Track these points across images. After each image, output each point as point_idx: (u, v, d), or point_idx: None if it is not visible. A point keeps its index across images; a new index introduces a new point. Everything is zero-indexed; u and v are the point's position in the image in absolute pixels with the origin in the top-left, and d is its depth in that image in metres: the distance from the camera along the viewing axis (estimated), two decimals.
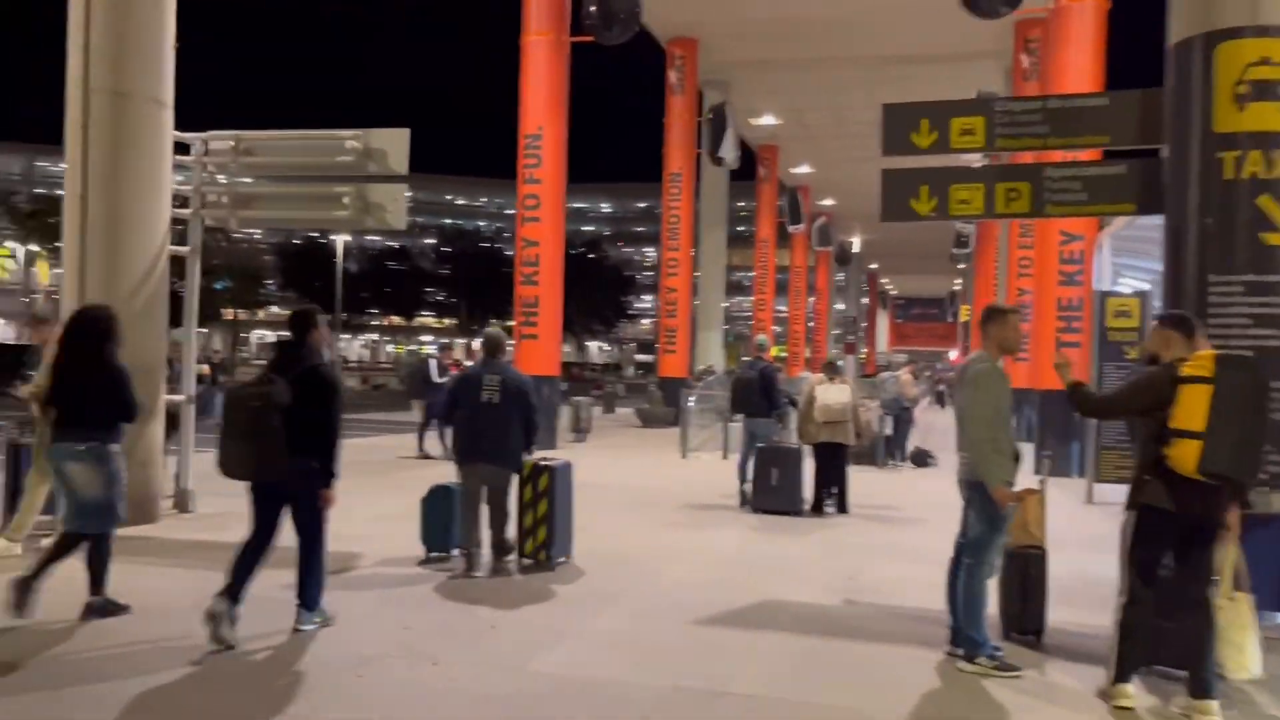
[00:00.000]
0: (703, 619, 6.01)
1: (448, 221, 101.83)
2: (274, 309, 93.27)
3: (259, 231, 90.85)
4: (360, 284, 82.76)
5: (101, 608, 5.63)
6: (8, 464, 8.05)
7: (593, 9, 17.46)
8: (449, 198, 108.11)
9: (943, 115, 6.87)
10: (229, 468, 5.13)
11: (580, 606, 6.23)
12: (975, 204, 6.86)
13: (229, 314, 75.90)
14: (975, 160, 15.56)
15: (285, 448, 5.00)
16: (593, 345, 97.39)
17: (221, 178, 9.37)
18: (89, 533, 5.63)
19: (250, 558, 5.27)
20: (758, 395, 10.66)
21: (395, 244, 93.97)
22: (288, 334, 5.44)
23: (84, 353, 5.60)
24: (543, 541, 7.29)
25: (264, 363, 5.36)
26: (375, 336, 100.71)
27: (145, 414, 5.93)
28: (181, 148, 9.16)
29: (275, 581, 5.68)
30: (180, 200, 9.22)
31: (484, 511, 7.11)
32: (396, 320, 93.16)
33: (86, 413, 5.58)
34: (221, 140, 9.24)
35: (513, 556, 7.23)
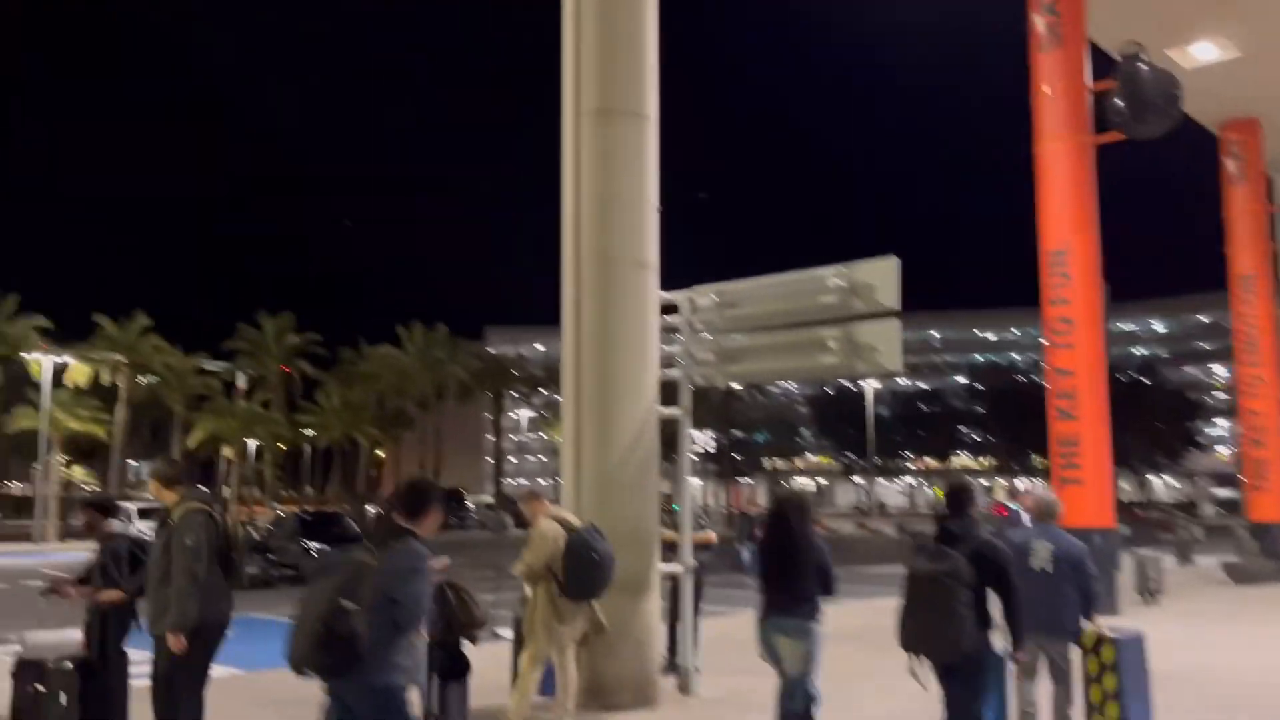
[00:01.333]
0: None
1: (978, 357, 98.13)
2: (810, 457, 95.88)
3: (794, 385, 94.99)
4: (892, 428, 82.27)
5: None
6: (515, 645, 8.01)
7: (1119, 103, 15.21)
8: (975, 332, 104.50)
9: None
10: (913, 644, 5.23)
11: None
12: None
13: (769, 464, 79.44)
14: None
15: (973, 627, 5.09)
16: (1157, 482, 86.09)
17: (707, 334, 8.98)
18: (796, 711, 5.85)
19: None
20: None
21: (926, 386, 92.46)
22: (946, 509, 5.52)
23: (788, 533, 6.01)
24: None
25: (931, 535, 5.47)
26: (911, 480, 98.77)
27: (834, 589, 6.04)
28: (668, 307, 8.97)
29: None
30: (666, 360, 8.96)
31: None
32: (931, 463, 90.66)
33: (793, 589, 5.91)
34: (705, 295, 8.91)
35: None
